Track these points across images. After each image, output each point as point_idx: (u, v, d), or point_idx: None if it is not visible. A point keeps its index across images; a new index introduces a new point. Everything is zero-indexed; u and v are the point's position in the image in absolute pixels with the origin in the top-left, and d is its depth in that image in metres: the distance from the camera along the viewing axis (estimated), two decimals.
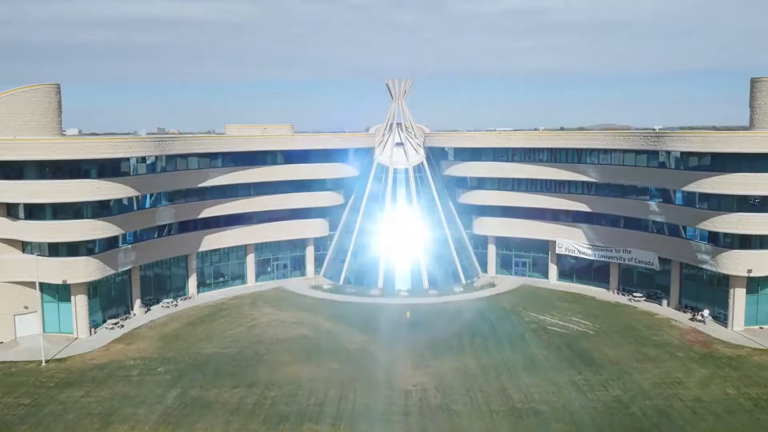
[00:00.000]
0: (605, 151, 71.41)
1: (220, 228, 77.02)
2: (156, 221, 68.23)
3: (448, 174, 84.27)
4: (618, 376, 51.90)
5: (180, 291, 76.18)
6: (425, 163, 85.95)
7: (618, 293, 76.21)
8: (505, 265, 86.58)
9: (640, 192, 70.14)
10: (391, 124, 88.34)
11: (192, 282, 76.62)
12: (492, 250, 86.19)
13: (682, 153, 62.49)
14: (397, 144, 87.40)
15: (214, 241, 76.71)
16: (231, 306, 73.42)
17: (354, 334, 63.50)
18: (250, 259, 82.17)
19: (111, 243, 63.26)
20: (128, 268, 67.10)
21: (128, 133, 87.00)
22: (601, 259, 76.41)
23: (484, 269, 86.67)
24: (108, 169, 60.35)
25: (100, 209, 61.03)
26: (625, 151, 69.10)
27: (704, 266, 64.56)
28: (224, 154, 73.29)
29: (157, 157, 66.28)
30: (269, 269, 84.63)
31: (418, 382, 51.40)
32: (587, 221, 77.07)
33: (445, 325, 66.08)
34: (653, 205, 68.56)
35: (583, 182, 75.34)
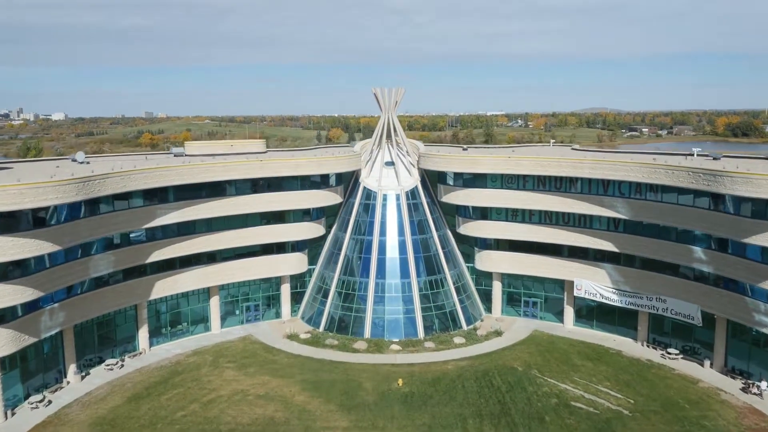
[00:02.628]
0: (639, 183, 59.03)
1: (175, 270, 64.47)
2: (90, 273, 55.47)
3: (447, 201, 71.83)
4: None
5: (129, 345, 63.79)
6: (419, 187, 73.40)
7: (648, 346, 64.37)
8: (512, 302, 74.63)
9: (682, 234, 57.90)
10: (380, 139, 75.75)
11: (143, 335, 64.17)
12: (497, 287, 74.04)
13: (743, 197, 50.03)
14: (387, 164, 74.85)
15: (168, 286, 64.18)
16: (187, 367, 61.05)
17: (334, 416, 51.38)
18: (215, 302, 69.75)
19: (29, 307, 50.59)
20: (56, 331, 54.48)
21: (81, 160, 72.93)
22: (629, 306, 64.43)
23: (488, 307, 74.75)
24: (16, 222, 47.36)
25: (12, 270, 48.26)
26: (665, 186, 56.73)
27: (764, 330, 52.64)
28: (177, 188, 60.38)
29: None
30: (237, 311, 72.27)
31: None
32: (612, 261, 65.04)
33: (445, 399, 54.04)
34: (699, 251, 56.37)
35: (608, 217, 63.11)
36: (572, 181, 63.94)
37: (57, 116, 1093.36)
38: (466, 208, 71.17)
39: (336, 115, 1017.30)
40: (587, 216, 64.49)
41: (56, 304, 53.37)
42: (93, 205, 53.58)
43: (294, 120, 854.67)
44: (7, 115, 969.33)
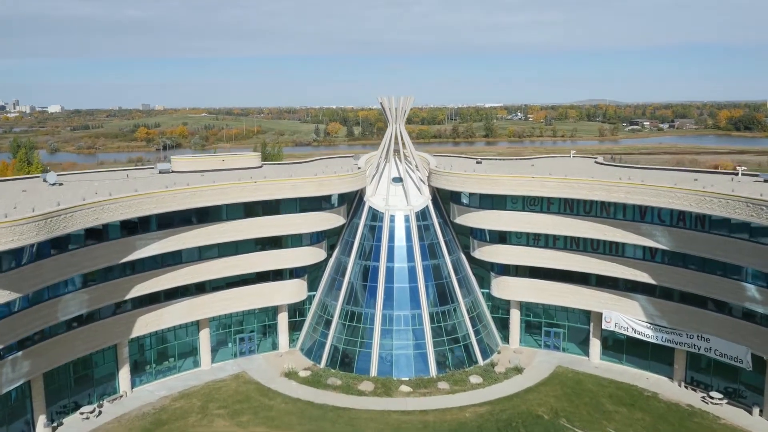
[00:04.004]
0: (684, 212, 52.22)
1: (159, 304, 57.68)
2: (58, 316, 48.57)
3: (461, 223, 65.06)
4: None
5: (108, 386, 57.06)
6: (430, 207, 66.56)
7: (686, 387, 57.80)
8: (531, 330, 68.02)
9: (732, 268, 51.13)
10: (387, 153, 68.89)
11: (123, 375, 57.39)
12: (515, 315, 67.40)
13: None
14: (395, 180, 68.02)
15: (152, 321, 57.40)
16: (173, 414, 54.31)
17: None
18: (205, 335, 63.00)
19: None
20: (21, 383, 47.67)
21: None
22: (665, 343, 57.82)
23: (505, 336, 68.19)
24: None
25: None
26: (716, 216, 49.94)
27: None
28: (159, 215, 53.38)
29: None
30: (230, 343, 65.57)
31: None
32: (647, 293, 58.39)
33: None
34: (753, 289, 49.66)
35: (645, 246, 56.36)
36: (605, 205, 57.08)
37: (53, 108, 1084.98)
38: (482, 230, 64.37)
39: (334, 107, 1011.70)
40: (620, 243, 57.69)
41: (19, 353, 46.49)
42: (60, 240, 46.49)
43: (292, 112, 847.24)
44: (3, 108, 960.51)
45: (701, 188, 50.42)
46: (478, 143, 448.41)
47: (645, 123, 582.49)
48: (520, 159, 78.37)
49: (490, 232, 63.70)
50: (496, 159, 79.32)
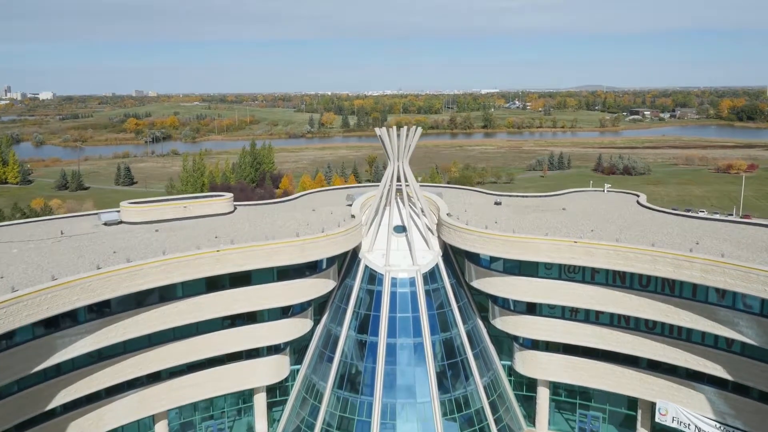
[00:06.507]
0: None
1: (99, 402, 45.13)
2: None
3: (479, 288, 52.69)
4: None
5: None
6: (440, 265, 54.12)
7: None
8: (562, 411, 55.95)
9: None
10: (388, 196, 56.37)
11: None
12: (544, 394, 55.31)
13: None
14: (397, 230, 55.54)
15: (89, 426, 44.79)
16: None
17: None
18: (162, 429, 50.66)
19: None
20: None
21: None
22: None
23: (530, 416, 56.19)
24: None
25: None
26: None
27: None
28: (89, 306, 40.51)
29: None
30: None
31: None
32: (716, 384, 46.14)
33: None
34: None
35: (720, 335, 43.98)
36: (668, 281, 44.60)
37: (44, 95, 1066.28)
38: (506, 299, 51.96)
39: (330, 93, 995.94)
40: (686, 328, 45.35)
41: None
42: None
43: (286, 100, 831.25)
44: None
45: None
46: (477, 135, 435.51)
47: (646, 113, 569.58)
48: (547, 196, 65.70)
49: (516, 301, 51.29)
50: (517, 196, 66.62)
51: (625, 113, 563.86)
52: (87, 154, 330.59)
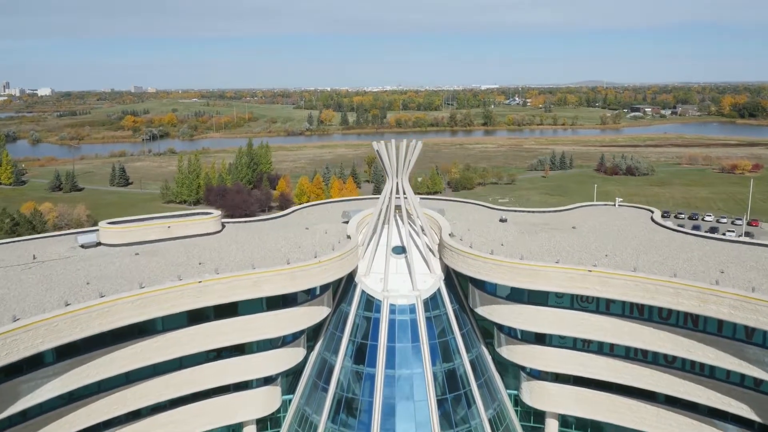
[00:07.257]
0: None
1: None
2: None
3: (484, 315, 49.07)
4: None
5: None
6: (442, 290, 50.50)
7: None
8: None
9: None
10: (386, 215, 52.69)
11: None
12: (553, 426, 51.76)
13: None
14: (395, 251, 51.92)
15: None
16: None
17: None
18: None
19: None
20: None
21: None
22: None
23: None
24: None
25: None
26: None
27: None
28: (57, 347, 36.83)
29: None
30: None
31: None
32: (742, 424, 42.58)
33: None
34: None
35: (748, 374, 40.41)
36: (692, 315, 41.01)
37: (43, 91, 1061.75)
38: (512, 328, 48.36)
39: (329, 89, 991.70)
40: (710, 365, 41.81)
41: None
42: None
43: (286, 96, 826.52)
44: None
45: None
46: (477, 132, 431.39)
47: (647, 109, 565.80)
48: (556, 212, 62.07)
49: (524, 331, 47.70)
50: (523, 212, 62.99)
51: (625, 110, 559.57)
52: (83, 152, 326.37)
